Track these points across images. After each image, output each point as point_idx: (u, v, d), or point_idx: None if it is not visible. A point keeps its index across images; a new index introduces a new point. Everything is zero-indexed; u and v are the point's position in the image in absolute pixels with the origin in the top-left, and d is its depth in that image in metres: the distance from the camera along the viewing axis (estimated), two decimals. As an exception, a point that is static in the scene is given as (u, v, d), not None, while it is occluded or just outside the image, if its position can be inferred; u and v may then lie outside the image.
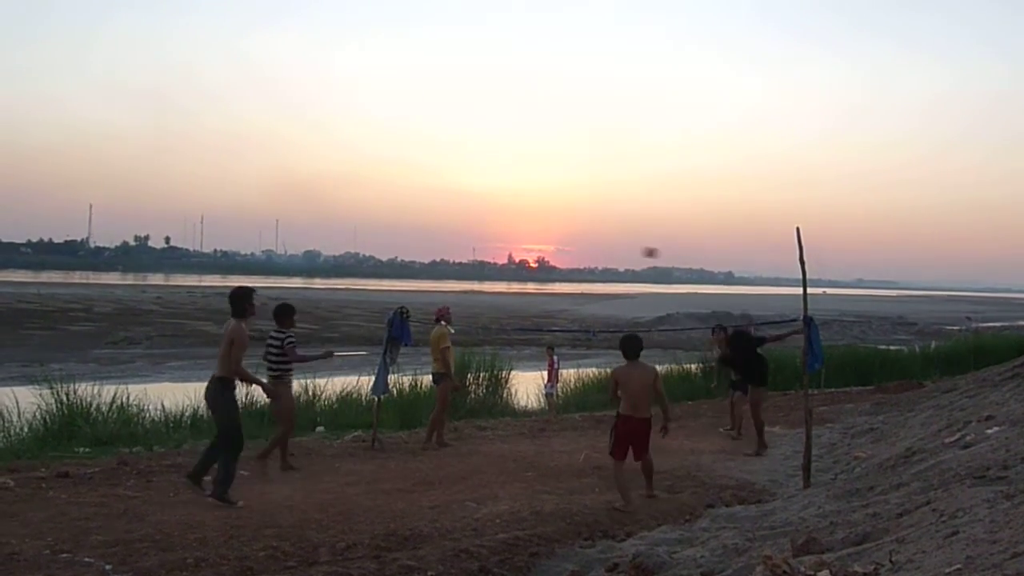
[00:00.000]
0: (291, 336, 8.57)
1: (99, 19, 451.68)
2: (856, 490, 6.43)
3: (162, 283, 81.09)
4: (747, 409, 10.76)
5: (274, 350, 8.47)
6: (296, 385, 12.84)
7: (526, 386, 16.79)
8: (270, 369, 8.47)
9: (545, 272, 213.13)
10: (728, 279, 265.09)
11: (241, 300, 7.31)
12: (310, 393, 13.00)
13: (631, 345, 7.61)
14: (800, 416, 9.25)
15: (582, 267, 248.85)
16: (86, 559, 5.37)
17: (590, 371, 18.39)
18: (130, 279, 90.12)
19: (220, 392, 7.18)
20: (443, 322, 10.55)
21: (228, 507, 6.88)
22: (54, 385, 10.51)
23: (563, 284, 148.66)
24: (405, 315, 10.44)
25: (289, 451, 8.77)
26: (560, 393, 15.42)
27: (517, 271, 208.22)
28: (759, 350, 10.85)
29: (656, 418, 7.55)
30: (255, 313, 7.38)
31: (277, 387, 8.23)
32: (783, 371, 17.83)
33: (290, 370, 8.62)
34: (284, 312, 8.71)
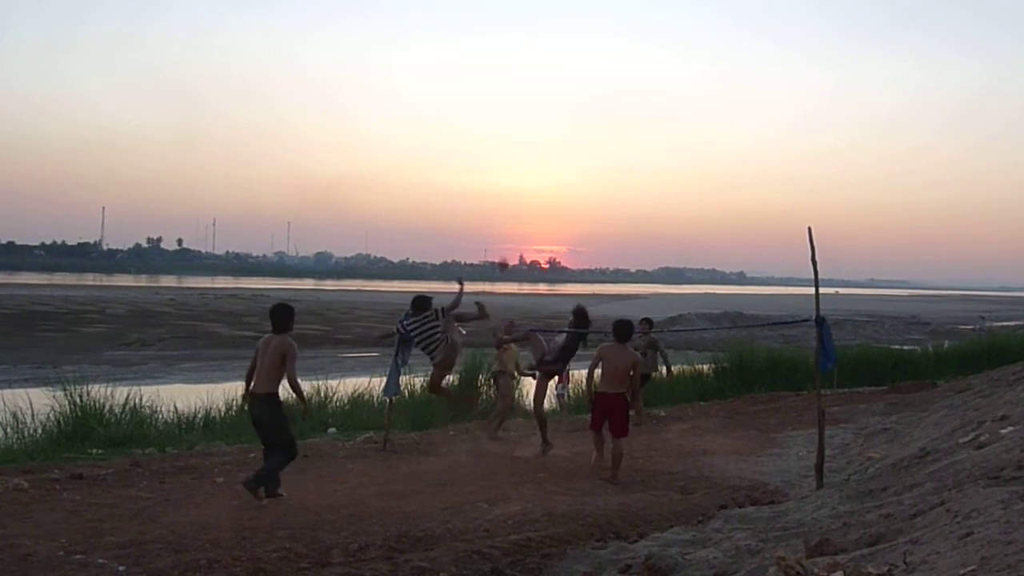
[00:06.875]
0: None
1: (108, 24, 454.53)
2: (870, 491, 6.39)
3: (175, 285, 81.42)
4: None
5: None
6: (308, 387, 12.92)
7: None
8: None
9: (557, 273, 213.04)
10: (740, 279, 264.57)
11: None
12: (322, 394, 13.03)
13: (622, 329, 8.41)
14: (813, 416, 9.20)
15: (594, 268, 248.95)
16: (99, 560, 5.40)
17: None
18: (143, 281, 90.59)
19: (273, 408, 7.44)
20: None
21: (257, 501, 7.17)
22: (67, 387, 10.55)
23: (575, 285, 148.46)
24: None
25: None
26: (572, 394, 15.40)
27: (529, 272, 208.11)
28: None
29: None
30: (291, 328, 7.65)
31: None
32: (796, 371, 17.77)
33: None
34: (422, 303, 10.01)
